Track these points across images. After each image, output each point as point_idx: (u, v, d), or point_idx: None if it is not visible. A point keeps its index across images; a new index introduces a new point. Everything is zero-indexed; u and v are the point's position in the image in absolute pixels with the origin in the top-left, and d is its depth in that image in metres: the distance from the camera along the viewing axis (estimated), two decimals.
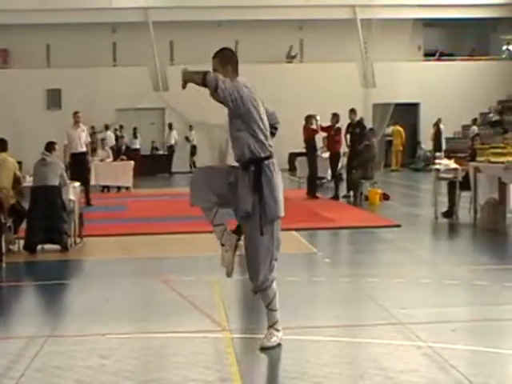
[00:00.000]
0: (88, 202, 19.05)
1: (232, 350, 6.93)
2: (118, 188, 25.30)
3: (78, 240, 13.42)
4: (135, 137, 34.66)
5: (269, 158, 6.84)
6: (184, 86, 6.79)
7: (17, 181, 12.90)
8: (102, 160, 24.82)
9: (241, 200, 6.78)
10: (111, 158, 25.79)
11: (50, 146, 13.26)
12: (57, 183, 12.79)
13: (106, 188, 25.05)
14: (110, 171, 24.35)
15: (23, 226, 12.82)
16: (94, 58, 36.01)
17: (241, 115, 6.79)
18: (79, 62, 35.76)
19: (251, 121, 6.80)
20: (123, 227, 15.22)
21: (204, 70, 6.72)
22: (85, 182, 18.80)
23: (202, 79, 6.60)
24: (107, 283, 10.44)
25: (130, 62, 35.86)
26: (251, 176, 6.76)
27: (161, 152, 35.76)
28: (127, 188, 24.99)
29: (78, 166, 19.13)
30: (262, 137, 6.82)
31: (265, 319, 7.10)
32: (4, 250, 11.26)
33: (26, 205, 12.97)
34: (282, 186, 6.99)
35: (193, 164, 34.10)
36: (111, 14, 35.67)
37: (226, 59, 7.03)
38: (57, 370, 6.44)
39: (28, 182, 13.45)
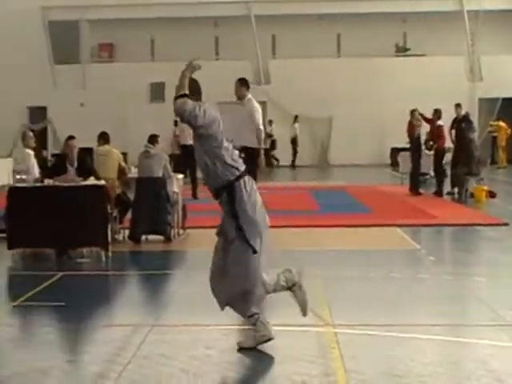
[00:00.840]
0: (194, 195, 19.12)
1: (336, 344, 6.87)
2: None
3: (181, 231, 13.56)
4: None
5: (239, 178, 6.72)
6: None
7: (122, 171, 13.13)
8: None
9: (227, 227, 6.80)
10: None
11: (153, 139, 13.47)
12: (161, 175, 12.97)
13: None
14: None
15: (128, 216, 13.05)
16: (196, 51, 36.29)
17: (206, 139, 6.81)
18: (182, 55, 36.13)
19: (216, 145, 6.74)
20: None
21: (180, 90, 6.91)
22: (192, 175, 19.02)
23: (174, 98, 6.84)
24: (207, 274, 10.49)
25: (232, 55, 36.07)
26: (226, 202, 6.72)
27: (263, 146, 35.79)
28: None
29: (187, 158, 19.38)
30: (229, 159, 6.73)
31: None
32: (110, 239, 11.46)
33: (131, 195, 13.20)
34: (259, 200, 6.89)
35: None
36: (214, 8, 35.93)
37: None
38: (162, 359, 6.51)
39: (133, 173, 13.66)
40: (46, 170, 13.30)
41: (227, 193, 6.68)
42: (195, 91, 7.02)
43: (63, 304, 8.52)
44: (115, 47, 38.31)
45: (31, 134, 14.46)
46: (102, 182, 11.60)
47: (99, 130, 14.10)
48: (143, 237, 13.01)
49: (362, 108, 34.62)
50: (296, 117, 34.64)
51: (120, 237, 12.94)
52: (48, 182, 11.63)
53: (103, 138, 13.52)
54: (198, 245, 12.96)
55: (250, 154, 12.67)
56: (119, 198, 12.73)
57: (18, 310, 8.58)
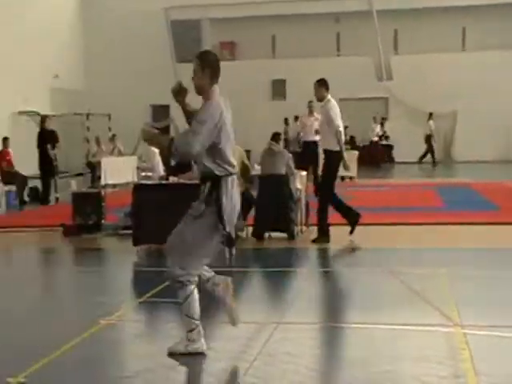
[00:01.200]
0: (317, 192, 19.06)
1: (465, 345, 6.70)
2: (342, 178, 25.33)
3: (304, 228, 13.53)
4: None
5: (227, 175, 6.53)
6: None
7: (245, 169, 13.18)
8: None
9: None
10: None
11: (276, 137, 13.51)
12: (284, 172, 12.97)
13: None
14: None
15: (252, 213, 13.10)
16: (318, 48, 36.28)
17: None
18: (303, 52, 36.18)
19: (216, 149, 6.50)
20: None
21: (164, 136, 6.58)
22: (314, 172, 19.03)
23: (168, 147, 6.43)
24: (333, 272, 10.46)
25: (354, 51, 35.83)
26: (207, 189, 6.52)
27: (383, 142, 35.29)
28: (351, 178, 24.98)
29: (310, 154, 19.43)
30: (220, 159, 6.52)
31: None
32: (234, 236, 11.49)
33: (254, 193, 13.25)
34: (238, 204, 6.69)
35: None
36: (335, 4, 35.75)
37: (208, 63, 6.83)
38: (287, 356, 6.49)
39: (256, 170, 13.71)
40: (171, 168, 13.50)
41: (212, 182, 6.52)
42: (211, 67, 6.87)
43: None
44: (236, 45, 38.61)
45: (156, 132, 14.65)
46: None
47: None
48: (267, 234, 13.06)
49: (487, 102, 33.78)
50: (430, 114, 33.87)
51: (244, 234, 13.02)
52: (173, 179, 11.79)
53: None
54: (321, 242, 12.89)
55: (328, 157, 12.53)
56: (243, 196, 12.73)
57: (144, 306, 8.72)
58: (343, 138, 12.57)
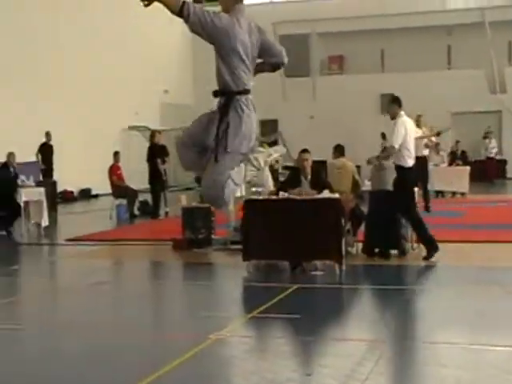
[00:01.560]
0: (427, 208, 18.89)
1: None
2: (453, 194, 24.92)
3: (415, 245, 13.31)
4: None
5: (242, 93, 6.18)
6: (146, 5, 5.84)
7: (356, 184, 13.09)
8: (436, 165, 24.52)
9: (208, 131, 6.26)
10: (446, 163, 25.58)
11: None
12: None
13: (440, 193, 24.76)
14: (445, 176, 24.03)
15: (362, 229, 12.96)
16: (428, 61, 35.85)
17: (214, 43, 6.18)
18: (413, 65, 35.80)
19: (226, 50, 6.18)
20: (461, 234, 14.91)
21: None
22: (424, 187, 18.81)
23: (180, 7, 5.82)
24: (445, 290, 10.23)
25: (465, 64, 35.24)
26: (220, 108, 6.26)
27: (498, 157, 34.42)
28: (462, 194, 24.52)
29: (419, 170, 19.15)
30: (237, 70, 6.20)
31: None
32: (344, 252, 11.42)
33: (364, 208, 13.12)
34: (255, 125, 6.24)
35: None
36: (446, 17, 35.31)
37: None
38: (399, 376, 6.36)
39: (366, 185, 13.58)
40: (281, 183, 13.49)
41: (225, 100, 6.30)
42: None
43: (298, 316, 8.55)
44: (345, 59, 38.53)
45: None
46: (337, 196, 11.59)
47: (329, 142, 14.18)
48: (377, 250, 12.89)
49: None
50: None
51: (354, 250, 12.89)
52: (282, 194, 11.78)
53: (338, 150, 13.60)
54: (433, 259, 12.67)
55: (400, 174, 12.40)
56: (353, 212, 12.69)
57: (254, 321, 8.69)
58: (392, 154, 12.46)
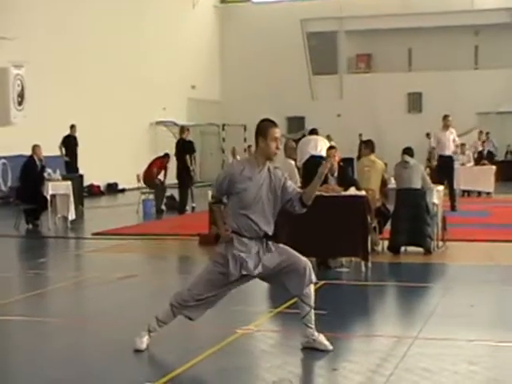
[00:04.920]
0: (453, 207, 18.94)
1: None
2: (479, 193, 24.89)
3: (440, 244, 13.34)
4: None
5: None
6: None
7: (383, 183, 13.14)
8: (462, 164, 24.50)
9: None
10: (472, 163, 25.56)
11: (410, 151, 13.41)
12: (419, 186, 12.84)
13: (466, 192, 24.75)
14: (471, 175, 24.01)
15: (388, 227, 13.01)
16: (455, 61, 35.77)
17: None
18: (440, 65, 35.71)
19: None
20: (486, 233, 14.92)
21: None
22: (450, 186, 18.86)
23: None
24: (470, 289, 10.28)
25: (492, 64, 35.11)
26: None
27: None
28: (488, 193, 24.48)
29: (445, 169, 19.24)
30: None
31: None
32: (370, 250, 11.48)
33: (390, 206, 13.16)
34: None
35: None
36: (474, 16, 35.21)
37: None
38: (425, 372, 6.42)
39: (392, 184, 13.62)
40: (306, 180, 13.54)
41: None
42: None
43: (324, 312, 8.61)
44: (372, 57, 38.49)
45: (293, 144, 14.77)
46: (363, 193, 11.64)
47: (355, 140, 14.20)
48: (402, 248, 12.95)
49: None
50: None
51: (379, 248, 12.94)
52: None
53: (369, 146, 13.58)
54: (458, 258, 12.71)
55: None
56: (379, 210, 12.74)
57: (281, 316, 8.74)
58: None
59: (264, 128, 6.99)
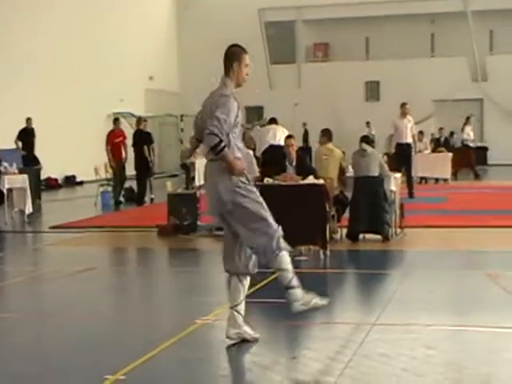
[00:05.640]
0: (411, 194, 19.09)
1: None
2: (436, 180, 25.12)
3: (398, 230, 13.44)
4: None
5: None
6: None
7: (341, 171, 13.19)
8: (419, 151, 24.67)
9: None
10: (429, 150, 25.78)
11: (367, 139, 13.50)
12: (377, 174, 12.91)
13: (423, 179, 24.97)
14: (428, 163, 24.21)
15: (346, 215, 13.08)
16: (412, 49, 36.00)
17: None
18: (397, 53, 35.94)
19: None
20: (444, 219, 15.06)
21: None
22: (408, 174, 19.01)
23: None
24: (428, 274, 10.36)
25: (448, 52, 35.42)
26: None
27: (477, 144, 34.46)
28: (445, 180, 24.72)
29: (403, 157, 19.37)
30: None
31: None
32: (328, 238, 11.53)
33: (348, 194, 13.23)
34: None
35: None
36: (430, 5, 35.44)
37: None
38: (383, 357, 6.46)
39: (350, 172, 13.67)
40: (264, 169, 13.57)
41: None
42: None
43: (283, 301, 8.63)
44: (330, 46, 38.61)
45: (251, 134, 14.79)
46: (321, 181, 11.68)
47: (313, 129, 14.24)
48: (361, 236, 13.02)
49: None
50: None
51: (338, 236, 13.00)
52: (267, 180, 11.85)
53: (326, 134, 13.59)
54: (416, 244, 12.81)
55: None
56: (337, 198, 12.79)
57: None
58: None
59: (239, 53, 7.05)
